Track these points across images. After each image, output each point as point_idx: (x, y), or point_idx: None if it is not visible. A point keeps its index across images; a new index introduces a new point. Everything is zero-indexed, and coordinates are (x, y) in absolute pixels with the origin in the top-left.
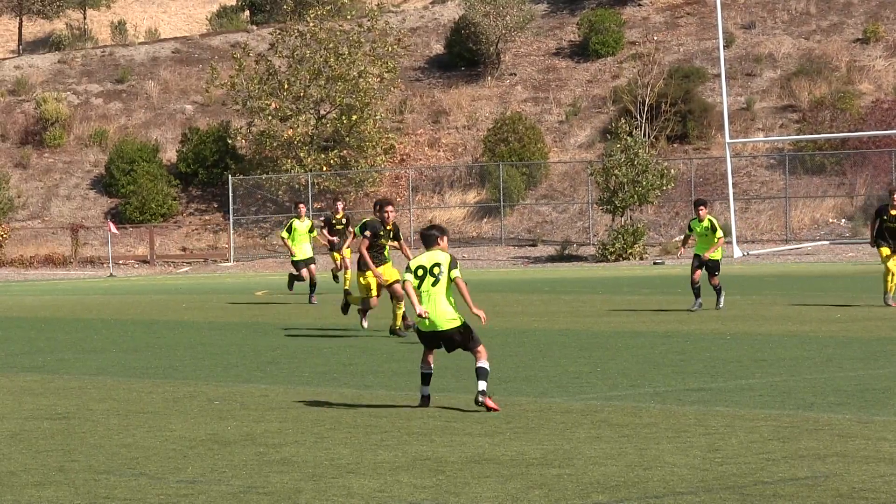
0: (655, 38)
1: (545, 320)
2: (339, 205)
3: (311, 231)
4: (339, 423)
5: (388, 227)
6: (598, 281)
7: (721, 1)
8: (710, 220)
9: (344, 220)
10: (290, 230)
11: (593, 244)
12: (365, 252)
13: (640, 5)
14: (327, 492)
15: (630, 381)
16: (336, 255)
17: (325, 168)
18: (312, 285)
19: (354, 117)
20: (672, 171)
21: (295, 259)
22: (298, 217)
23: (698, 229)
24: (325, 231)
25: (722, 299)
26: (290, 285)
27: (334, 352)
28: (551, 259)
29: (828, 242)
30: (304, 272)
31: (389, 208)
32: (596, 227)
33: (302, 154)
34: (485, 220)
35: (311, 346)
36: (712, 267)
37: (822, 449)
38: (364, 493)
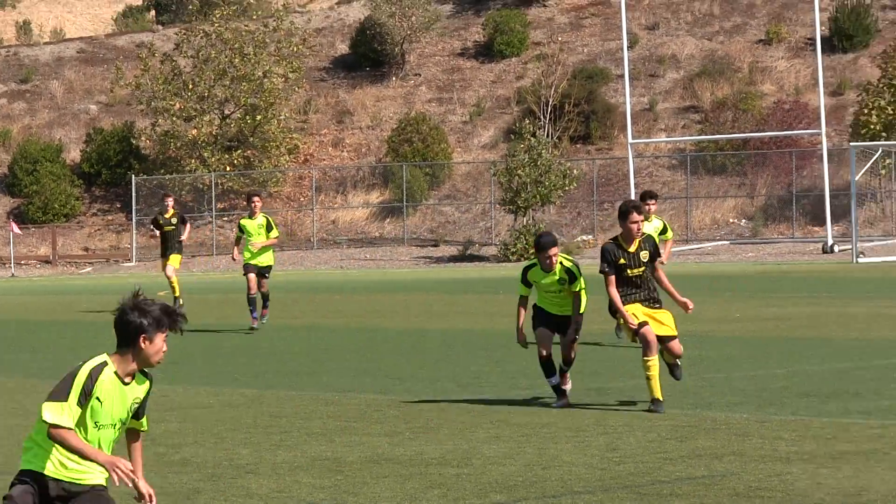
0: (560, 38)
1: (447, 320)
2: (170, 201)
3: (268, 230)
4: (240, 424)
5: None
6: (500, 281)
7: (625, 2)
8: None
9: (174, 220)
10: (241, 229)
11: (495, 244)
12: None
13: (544, 6)
14: (226, 492)
15: (530, 381)
16: (166, 262)
17: (228, 168)
18: (265, 295)
19: (259, 117)
20: (575, 171)
21: (247, 261)
22: (252, 214)
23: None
24: (153, 231)
25: None
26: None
27: (235, 351)
28: (453, 259)
29: (728, 242)
30: (252, 278)
31: (256, 199)
32: (498, 228)
33: (206, 154)
34: (387, 220)
35: (212, 347)
36: None
37: (719, 448)
38: (263, 494)
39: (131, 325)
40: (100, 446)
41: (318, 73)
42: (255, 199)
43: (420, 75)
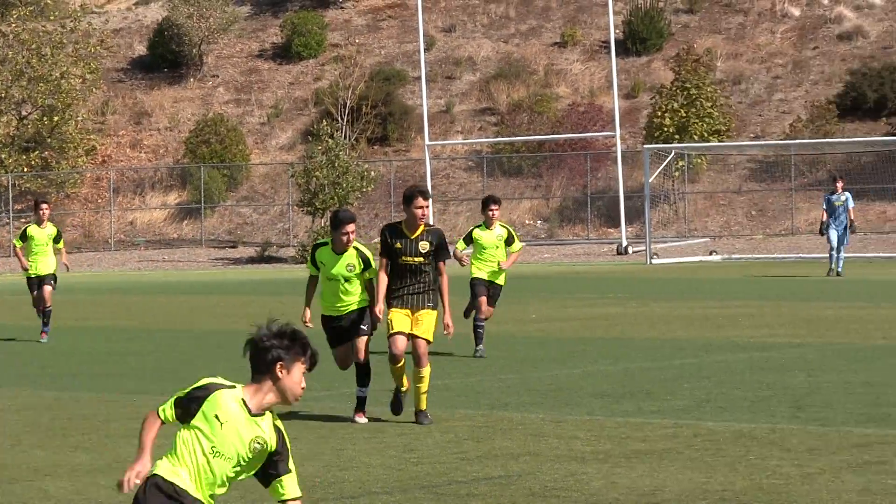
0: (357, 40)
1: (244, 321)
2: (45, 208)
3: (56, 240)
4: (37, 427)
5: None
6: (299, 282)
7: (422, 4)
8: (502, 225)
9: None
10: (24, 237)
11: (293, 245)
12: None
13: (342, 8)
14: (23, 495)
15: (326, 384)
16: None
17: (26, 169)
18: (46, 313)
19: (56, 118)
20: (372, 173)
21: (28, 275)
22: (39, 221)
23: (482, 241)
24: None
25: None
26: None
27: (33, 354)
28: (252, 261)
29: (524, 244)
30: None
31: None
32: (296, 229)
33: (3, 155)
34: (185, 221)
35: (8, 349)
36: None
37: (516, 448)
38: (60, 497)
39: (268, 354)
40: (213, 477)
41: (115, 74)
42: (44, 205)
43: (218, 76)
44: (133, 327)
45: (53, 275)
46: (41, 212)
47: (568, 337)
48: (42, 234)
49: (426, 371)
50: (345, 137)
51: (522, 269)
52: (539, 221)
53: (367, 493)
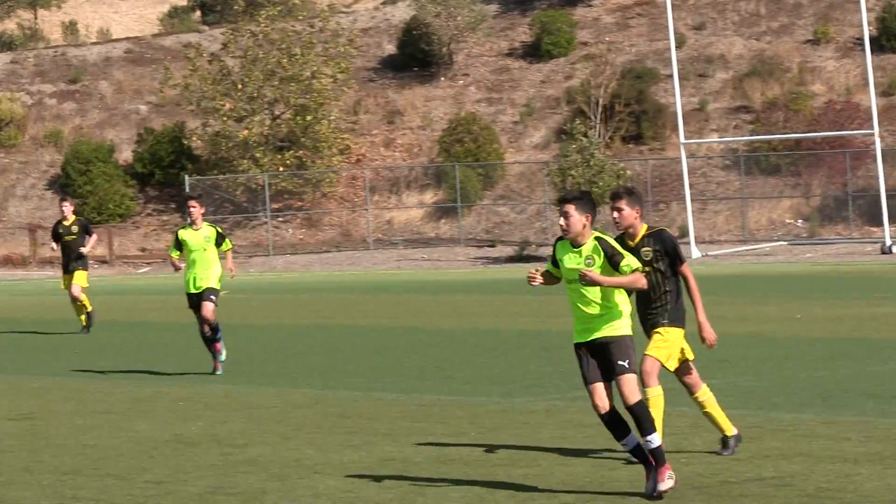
0: (607, 38)
1: (506, 321)
2: (67, 206)
3: (218, 243)
4: (304, 424)
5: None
6: None
7: (671, 2)
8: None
9: (75, 228)
10: (178, 245)
11: (551, 244)
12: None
13: (590, 6)
14: (293, 492)
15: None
16: (67, 277)
17: (281, 168)
18: (213, 329)
19: (309, 118)
20: (628, 171)
21: (187, 290)
22: (193, 223)
23: (191, 242)
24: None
25: None
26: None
27: (297, 352)
28: (510, 259)
29: (786, 243)
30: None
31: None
32: (553, 228)
33: (258, 154)
34: (443, 220)
35: (274, 347)
36: None
37: (787, 449)
38: (330, 494)
39: None
40: None
41: (366, 74)
42: (192, 202)
43: (469, 75)
44: (393, 326)
45: (215, 289)
46: (190, 210)
47: (833, 337)
48: (196, 237)
49: (650, 392)
50: (598, 136)
51: (785, 269)
52: (800, 220)
53: (639, 494)
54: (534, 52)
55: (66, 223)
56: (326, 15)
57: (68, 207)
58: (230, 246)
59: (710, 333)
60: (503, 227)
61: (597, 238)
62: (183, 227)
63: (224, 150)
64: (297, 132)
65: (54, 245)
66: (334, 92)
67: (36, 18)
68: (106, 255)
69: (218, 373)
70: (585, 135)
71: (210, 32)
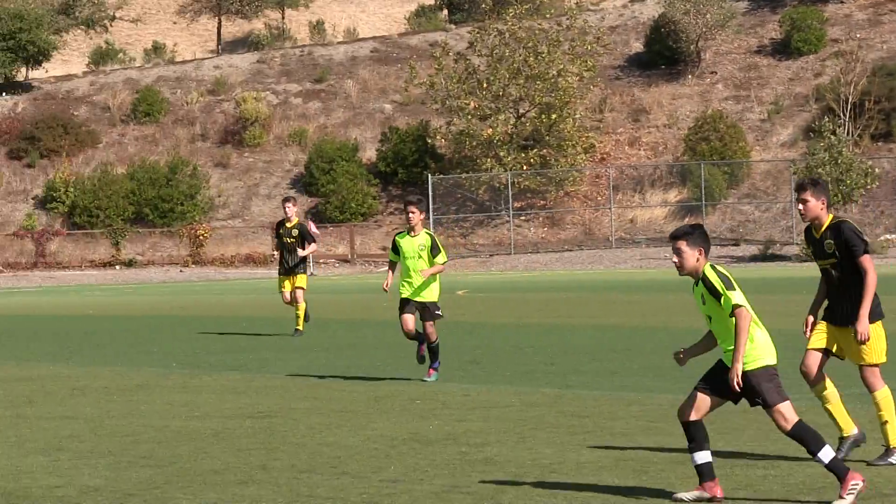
0: (858, 35)
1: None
2: (290, 207)
3: (434, 253)
4: (542, 423)
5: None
6: (803, 281)
7: None
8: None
9: (296, 231)
10: (396, 250)
11: (797, 243)
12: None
13: (842, 2)
14: (531, 492)
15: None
16: (286, 282)
17: (524, 167)
18: (433, 352)
19: (554, 116)
20: (876, 169)
21: (402, 295)
22: (411, 229)
23: (406, 248)
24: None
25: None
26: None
27: (536, 351)
28: (754, 258)
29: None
30: (409, 321)
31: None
32: (800, 227)
33: (502, 153)
34: (686, 219)
35: (513, 346)
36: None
37: None
38: (567, 494)
39: None
40: None
41: (612, 72)
42: (411, 208)
43: (716, 73)
44: (635, 325)
45: (436, 304)
46: (410, 215)
47: None
48: (412, 244)
49: (879, 395)
50: (847, 133)
51: None
52: None
53: (878, 495)
54: (783, 49)
55: (288, 225)
56: (574, 13)
57: (291, 209)
58: (444, 260)
59: (863, 326)
60: (747, 226)
61: (703, 274)
62: (400, 233)
63: (467, 149)
64: (541, 130)
65: (275, 253)
66: (580, 90)
67: (283, 18)
68: (347, 254)
69: (429, 379)
70: (834, 132)
71: (456, 31)
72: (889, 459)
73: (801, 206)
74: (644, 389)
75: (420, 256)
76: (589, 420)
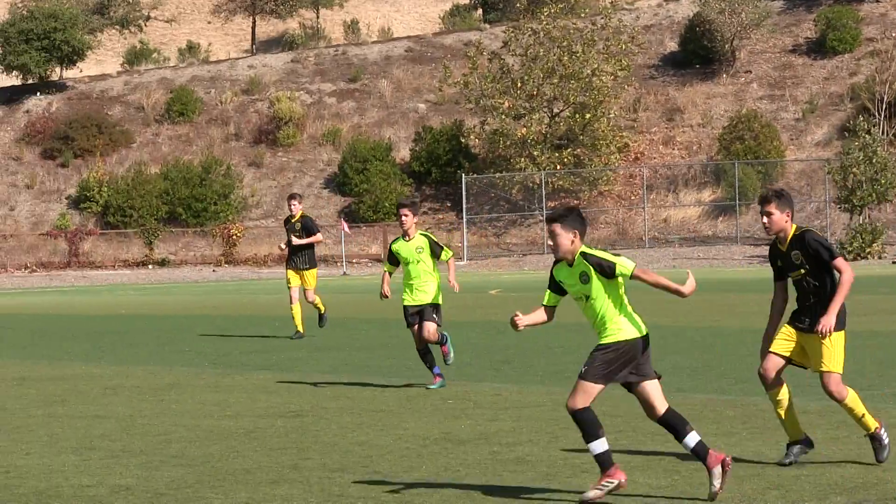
0: (894, 34)
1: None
2: (295, 205)
3: (436, 254)
4: (573, 424)
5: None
6: None
7: None
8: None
9: (299, 225)
10: (393, 260)
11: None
12: None
13: (877, 1)
14: (561, 491)
15: (868, 382)
16: (293, 275)
17: (558, 167)
18: (432, 358)
19: (588, 116)
20: None
21: (405, 303)
22: (405, 233)
23: (403, 254)
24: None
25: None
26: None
27: (567, 350)
28: None
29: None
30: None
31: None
32: (833, 226)
33: (535, 153)
34: (720, 218)
35: (544, 345)
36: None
37: None
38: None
39: None
40: None
41: (646, 71)
42: (404, 211)
43: (751, 72)
44: (666, 324)
45: (436, 305)
46: (403, 218)
47: None
48: (409, 248)
49: (848, 400)
50: (882, 133)
51: None
52: None
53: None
54: (818, 48)
55: (293, 220)
56: (608, 12)
57: (297, 206)
58: (450, 255)
59: (828, 320)
60: None
61: (582, 253)
62: (395, 240)
63: (501, 149)
64: (575, 130)
65: (284, 248)
66: (614, 89)
67: (318, 18)
68: (380, 254)
69: (432, 386)
70: (869, 132)
71: (491, 30)
72: (884, 442)
73: (765, 219)
74: (675, 389)
75: (420, 260)
76: (620, 419)
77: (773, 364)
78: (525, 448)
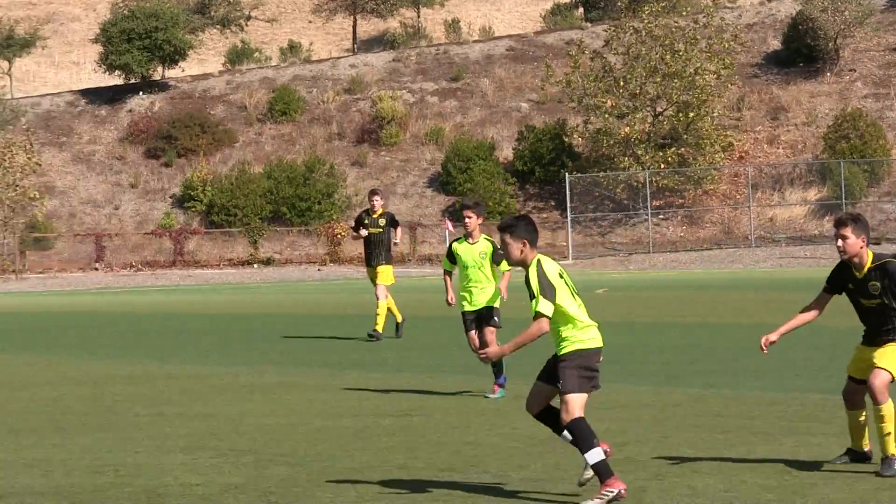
0: None
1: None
2: (377, 200)
3: (497, 261)
4: (683, 423)
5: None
6: None
7: None
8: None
9: (382, 222)
10: (452, 258)
11: None
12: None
13: None
14: (672, 491)
15: None
16: (372, 272)
17: (662, 166)
18: (497, 366)
19: (691, 114)
20: None
21: (463, 309)
22: (469, 235)
23: (464, 256)
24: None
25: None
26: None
27: (676, 350)
28: (894, 257)
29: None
30: (477, 340)
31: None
32: None
33: (639, 152)
34: (826, 217)
35: (653, 345)
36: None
37: None
38: (709, 493)
39: None
40: None
41: (749, 70)
42: (468, 212)
43: (855, 71)
44: (774, 324)
45: (496, 308)
46: (466, 221)
47: None
48: (471, 252)
49: (885, 407)
50: None
51: None
52: None
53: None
54: None
55: (373, 215)
56: (711, 10)
57: (378, 202)
58: (509, 266)
59: None
60: (888, 225)
61: (527, 272)
62: (457, 240)
63: (605, 148)
64: (679, 129)
65: (362, 233)
66: (717, 88)
67: (419, 17)
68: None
69: (492, 396)
70: None
71: (592, 29)
72: (894, 466)
73: (839, 242)
74: (787, 389)
75: (481, 266)
76: (730, 420)
77: (853, 388)
78: (634, 448)
